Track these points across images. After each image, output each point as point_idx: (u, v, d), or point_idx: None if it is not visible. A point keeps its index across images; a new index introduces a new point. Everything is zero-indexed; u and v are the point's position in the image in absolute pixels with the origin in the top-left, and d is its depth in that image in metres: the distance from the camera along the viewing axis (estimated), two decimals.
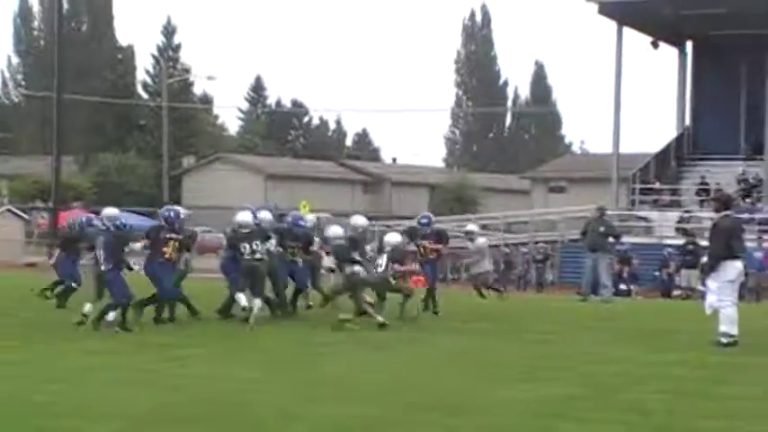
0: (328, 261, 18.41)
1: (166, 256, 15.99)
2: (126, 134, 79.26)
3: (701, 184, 42.87)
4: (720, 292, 14.42)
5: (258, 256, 16.41)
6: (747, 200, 41.12)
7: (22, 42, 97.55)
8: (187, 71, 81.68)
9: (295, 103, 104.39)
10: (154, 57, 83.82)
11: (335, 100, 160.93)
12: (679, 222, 39.80)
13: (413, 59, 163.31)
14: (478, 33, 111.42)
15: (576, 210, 42.38)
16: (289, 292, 17.75)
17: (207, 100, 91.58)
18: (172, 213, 16.65)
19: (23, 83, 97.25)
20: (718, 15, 41.20)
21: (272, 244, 17.19)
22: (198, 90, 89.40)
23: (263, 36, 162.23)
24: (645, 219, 41.29)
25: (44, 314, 17.01)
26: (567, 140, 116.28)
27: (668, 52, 46.62)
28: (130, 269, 15.93)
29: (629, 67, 60.18)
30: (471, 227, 25.31)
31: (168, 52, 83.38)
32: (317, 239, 18.69)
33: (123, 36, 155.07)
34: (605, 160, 46.72)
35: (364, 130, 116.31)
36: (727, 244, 14.51)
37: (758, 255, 33.71)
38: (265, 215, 17.63)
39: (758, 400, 9.52)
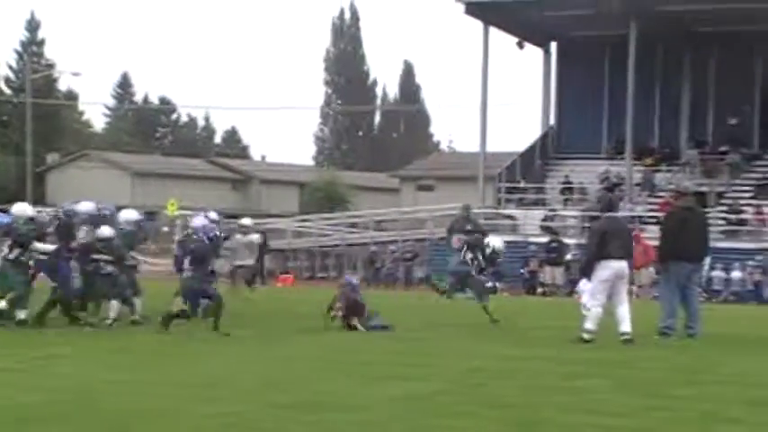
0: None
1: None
2: None
3: (565, 182, 43.73)
4: (592, 291, 14.81)
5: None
6: None
7: None
8: (51, 67, 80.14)
9: (163, 101, 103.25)
10: (17, 52, 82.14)
11: (204, 97, 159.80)
12: (544, 221, 40.56)
13: (282, 57, 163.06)
14: (347, 32, 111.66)
15: (445, 208, 42.86)
16: None
17: (72, 96, 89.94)
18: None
19: None
20: (581, 16, 42.10)
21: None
22: (63, 86, 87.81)
23: (129, 32, 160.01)
24: (511, 217, 41.93)
25: None
26: (435, 139, 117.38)
27: (534, 52, 47.40)
28: None
29: (496, 67, 61.02)
30: (246, 221, 26.24)
31: (32, 47, 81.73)
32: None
33: None
34: (473, 159, 47.28)
35: (233, 128, 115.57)
36: (599, 245, 14.88)
37: None
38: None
39: (612, 392, 9.82)
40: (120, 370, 10.96)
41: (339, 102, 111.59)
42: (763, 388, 10.33)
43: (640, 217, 38.17)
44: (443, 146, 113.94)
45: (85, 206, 17.35)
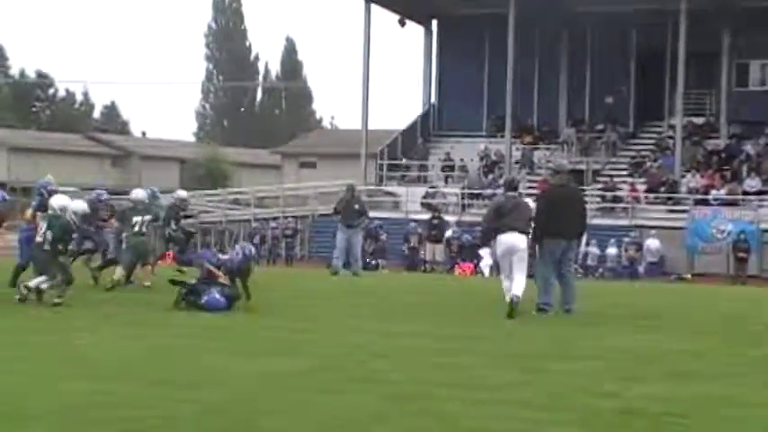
0: None
1: None
2: None
3: (446, 160, 44.13)
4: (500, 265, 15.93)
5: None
6: (490, 176, 42.59)
7: None
8: None
9: (40, 74, 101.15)
10: None
11: (82, 71, 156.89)
12: (425, 198, 40.91)
13: (163, 31, 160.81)
14: (228, 7, 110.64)
15: (327, 185, 42.93)
16: None
17: None
18: None
19: None
20: None
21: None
22: None
23: (4, 4, 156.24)
24: (392, 194, 42.21)
25: None
26: (317, 116, 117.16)
27: (415, 30, 47.66)
28: None
29: (379, 45, 61.18)
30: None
31: None
32: None
33: None
34: (355, 136, 47.44)
35: (113, 103, 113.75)
36: (494, 219, 15.84)
37: None
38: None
39: (488, 368, 9.98)
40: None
41: (220, 77, 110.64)
42: (638, 363, 10.60)
43: (520, 194, 38.65)
44: (326, 123, 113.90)
45: None
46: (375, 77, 67.85)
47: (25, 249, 17.29)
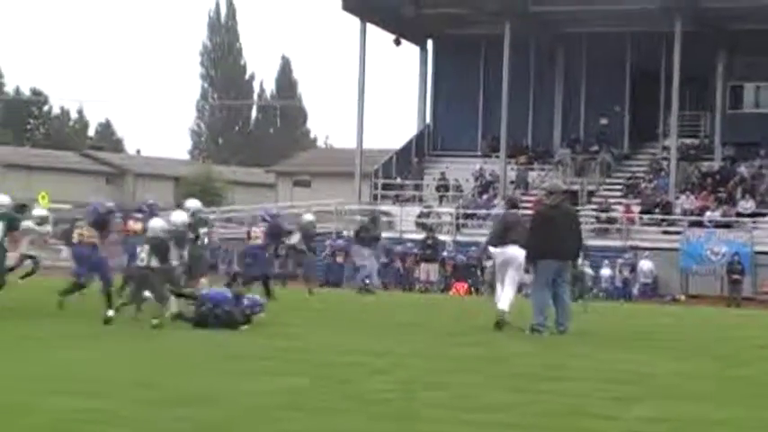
0: None
1: None
2: None
3: (441, 179, 44.15)
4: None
5: None
6: (484, 196, 42.60)
7: None
8: None
9: (34, 92, 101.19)
10: None
11: (77, 89, 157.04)
12: (419, 217, 40.89)
13: (157, 50, 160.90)
14: (224, 25, 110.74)
15: (321, 204, 42.89)
16: None
17: None
18: None
19: None
20: (457, 15, 42.57)
21: None
22: None
23: (0, 22, 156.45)
24: (387, 213, 42.18)
25: None
26: (312, 135, 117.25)
27: (411, 50, 47.73)
28: None
29: (374, 64, 61.22)
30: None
31: None
32: None
33: None
34: (349, 155, 47.45)
35: (107, 121, 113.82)
36: (501, 232, 16.72)
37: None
38: None
39: (481, 388, 9.94)
40: None
41: (215, 96, 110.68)
42: (629, 384, 10.56)
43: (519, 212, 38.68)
44: (320, 142, 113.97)
45: None
46: (370, 97, 68.00)
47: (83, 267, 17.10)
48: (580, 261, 21.79)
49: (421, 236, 37.92)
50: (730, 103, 43.30)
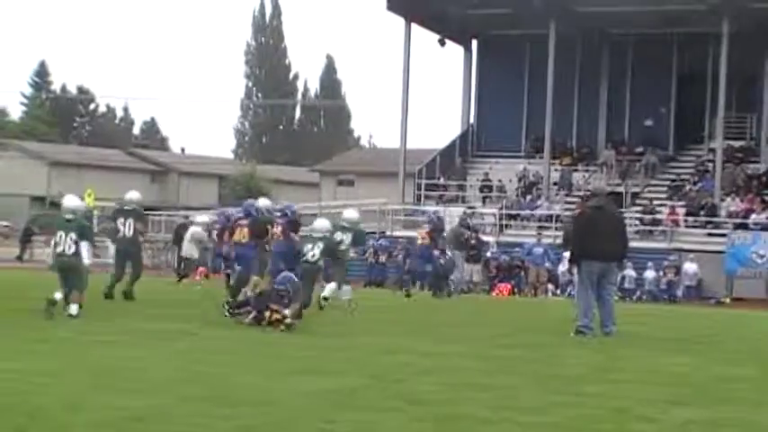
0: None
1: None
2: None
3: (485, 180, 44.07)
4: None
5: None
6: (527, 197, 42.52)
7: None
8: None
9: (81, 90, 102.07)
10: None
11: (123, 87, 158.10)
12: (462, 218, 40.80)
13: (203, 49, 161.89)
14: (269, 25, 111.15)
15: (365, 203, 42.95)
16: None
17: None
18: None
19: None
20: (502, 15, 42.47)
21: None
22: None
23: (48, 20, 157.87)
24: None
25: None
26: (355, 134, 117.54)
27: (455, 50, 47.70)
28: None
29: (418, 64, 61.20)
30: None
31: None
32: None
33: None
34: (393, 155, 47.49)
35: (153, 119, 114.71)
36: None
37: (538, 250, 34.88)
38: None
39: (527, 389, 9.97)
40: (32, 360, 10.84)
41: (260, 95, 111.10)
42: (674, 386, 10.55)
43: (558, 216, 38.61)
44: (364, 141, 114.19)
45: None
46: (414, 96, 68.12)
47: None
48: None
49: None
50: None
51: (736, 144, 42.66)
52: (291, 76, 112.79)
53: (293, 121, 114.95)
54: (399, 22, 43.96)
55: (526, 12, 41.15)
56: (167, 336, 13.67)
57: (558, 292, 33.92)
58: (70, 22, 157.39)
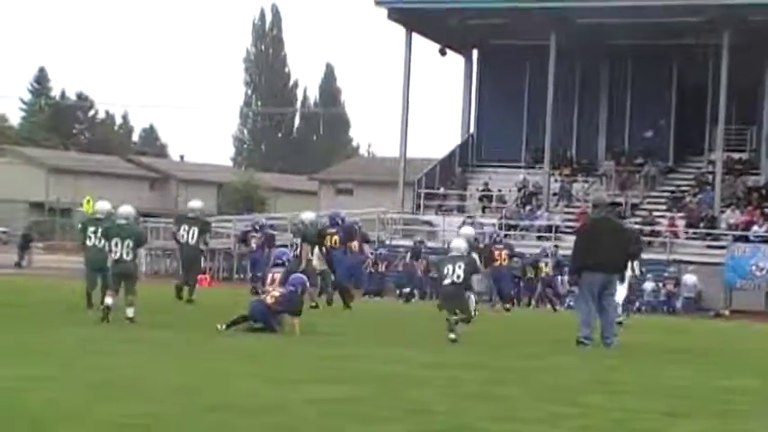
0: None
1: None
2: None
3: (484, 190, 44.08)
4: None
5: None
6: (527, 207, 42.51)
7: None
8: None
9: (80, 96, 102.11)
10: None
11: (122, 94, 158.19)
12: (461, 227, 40.77)
13: (202, 56, 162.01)
14: (269, 33, 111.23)
15: (363, 212, 42.94)
16: None
17: None
18: None
19: None
20: (503, 25, 42.50)
21: None
22: None
23: (47, 26, 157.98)
24: (429, 223, 42.15)
25: None
26: (354, 143, 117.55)
27: (456, 60, 47.74)
28: None
29: (418, 73, 61.27)
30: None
31: None
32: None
33: None
34: (392, 164, 47.51)
35: (151, 126, 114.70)
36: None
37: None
38: None
39: (527, 400, 9.94)
40: (35, 367, 10.79)
41: (259, 103, 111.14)
42: (675, 399, 10.51)
43: (557, 227, 38.60)
44: (362, 150, 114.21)
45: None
46: (414, 105, 68.05)
47: None
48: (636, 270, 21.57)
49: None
50: None
51: (736, 156, 42.69)
52: (291, 84, 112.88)
53: (292, 130, 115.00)
54: (400, 31, 44.01)
55: (526, 23, 41.18)
56: (171, 343, 13.62)
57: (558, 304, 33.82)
58: (70, 29, 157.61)
